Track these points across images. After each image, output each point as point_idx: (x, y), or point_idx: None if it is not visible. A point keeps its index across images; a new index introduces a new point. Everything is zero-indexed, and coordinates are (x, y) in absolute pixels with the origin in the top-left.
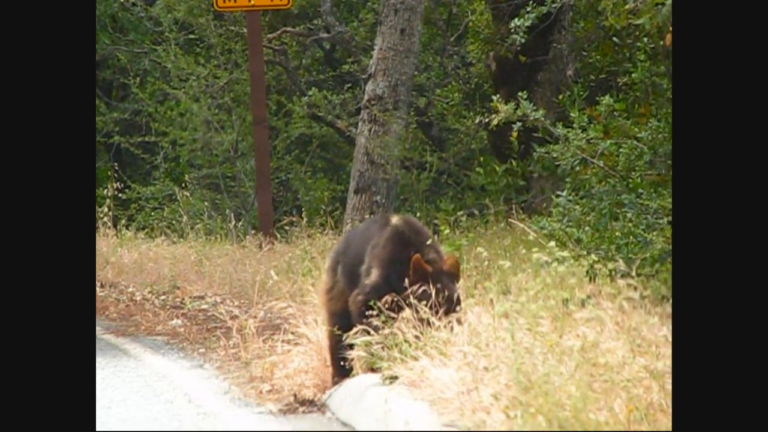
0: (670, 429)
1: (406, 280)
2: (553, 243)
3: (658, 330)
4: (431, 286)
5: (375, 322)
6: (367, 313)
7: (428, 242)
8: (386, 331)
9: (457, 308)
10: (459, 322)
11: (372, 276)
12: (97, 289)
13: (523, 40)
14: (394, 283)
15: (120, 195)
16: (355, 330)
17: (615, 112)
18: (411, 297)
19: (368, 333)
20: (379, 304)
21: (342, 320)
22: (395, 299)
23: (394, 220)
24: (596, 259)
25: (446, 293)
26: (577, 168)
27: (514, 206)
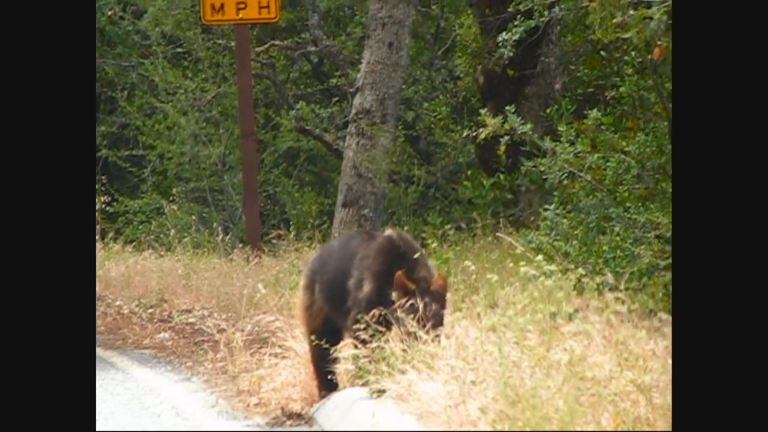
0: None
1: (393, 295)
2: (540, 257)
3: (646, 344)
4: (419, 300)
5: (362, 335)
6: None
7: (418, 257)
8: (374, 344)
9: (438, 328)
10: (437, 336)
11: (365, 289)
12: None
13: (510, 54)
14: (386, 296)
15: (107, 208)
16: (342, 343)
17: (602, 126)
18: (398, 311)
19: (355, 346)
20: (366, 317)
21: (322, 336)
22: (383, 313)
23: (387, 232)
24: (584, 272)
25: (433, 308)
26: (565, 182)
27: (501, 220)
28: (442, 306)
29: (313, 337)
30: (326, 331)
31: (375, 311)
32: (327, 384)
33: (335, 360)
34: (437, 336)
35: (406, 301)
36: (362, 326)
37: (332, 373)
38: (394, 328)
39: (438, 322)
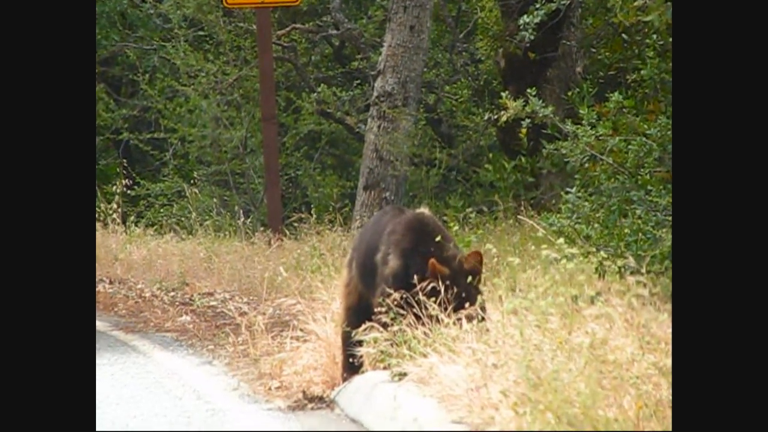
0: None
1: (415, 278)
2: (562, 240)
3: (668, 327)
4: (441, 283)
5: (384, 318)
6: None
7: (442, 236)
8: (395, 328)
9: (466, 304)
10: (469, 318)
11: (390, 264)
12: (106, 285)
13: (532, 37)
14: (412, 275)
15: (129, 192)
16: (363, 327)
17: (624, 109)
18: (420, 294)
19: (378, 330)
20: (387, 300)
21: (356, 314)
22: (404, 296)
23: (415, 210)
24: (605, 255)
25: (455, 290)
26: (586, 165)
27: (523, 203)
28: (478, 282)
29: (347, 316)
30: (360, 308)
31: (396, 295)
32: (350, 367)
33: (359, 343)
34: (466, 316)
35: (428, 284)
36: (384, 309)
37: (354, 356)
38: (410, 317)
39: (471, 300)
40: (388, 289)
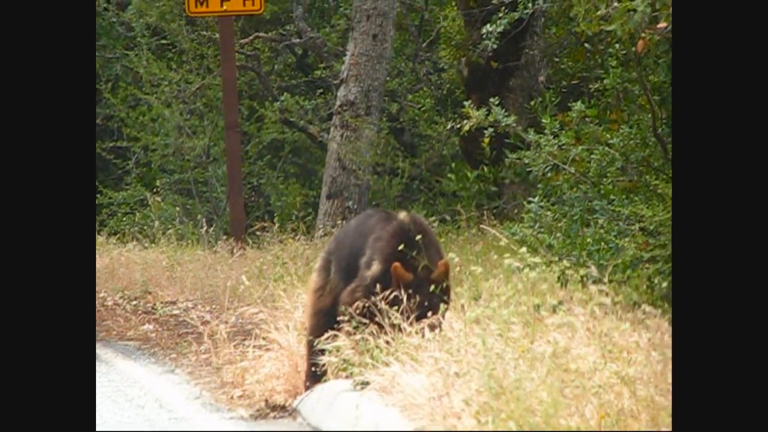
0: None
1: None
2: (524, 249)
3: (630, 336)
4: (404, 290)
5: (347, 327)
6: (360, 306)
7: (426, 242)
8: (357, 336)
9: (428, 313)
10: (431, 328)
11: (373, 268)
12: None
13: (495, 46)
14: (391, 280)
15: None
16: (326, 336)
17: (587, 118)
18: (382, 303)
19: (344, 336)
20: (350, 309)
21: (327, 317)
22: (366, 305)
23: (401, 215)
24: (568, 265)
25: (417, 298)
26: (549, 174)
27: (485, 212)
28: (446, 293)
29: (316, 320)
30: (335, 311)
31: (359, 303)
32: (313, 375)
33: (322, 351)
34: (429, 325)
35: (390, 292)
36: (346, 318)
37: (317, 365)
38: (372, 326)
39: (434, 309)
40: (361, 289)
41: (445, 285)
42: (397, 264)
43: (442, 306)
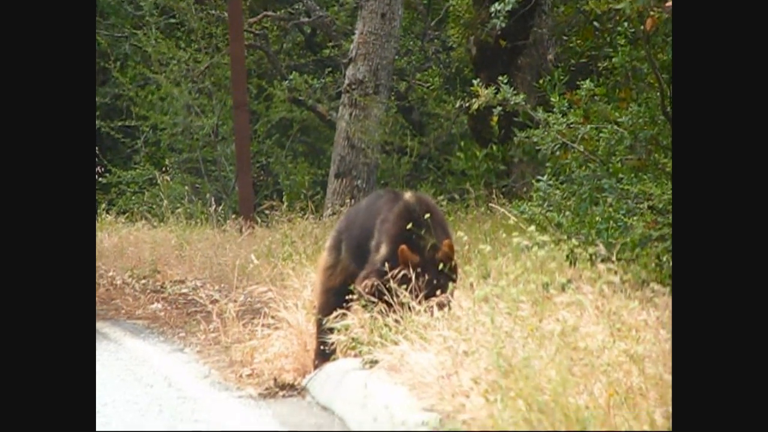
0: (651, 413)
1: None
2: (533, 227)
3: (638, 314)
4: (412, 270)
5: (356, 306)
6: (376, 290)
7: (433, 221)
8: (366, 315)
9: (437, 292)
10: (440, 306)
11: (381, 251)
12: None
13: (503, 25)
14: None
15: (100, 179)
16: (334, 314)
17: (595, 97)
18: (391, 281)
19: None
20: (359, 288)
21: (337, 296)
22: (375, 284)
23: (407, 196)
24: (576, 243)
25: (426, 277)
26: (558, 153)
27: (494, 191)
28: (454, 272)
29: (326, 298)
30: (345, 290)
31: (368, 282)
32: (322, 354)
33: (331, 330)
34: (437, 304)
35: (399, 272)
36: (355, 297)
37: (325, 343)
38: (388, 299)
39: (442, 288)
40: (374, 275)
41: (453, 264)
42: (403, 247)
43: (450, 284)
